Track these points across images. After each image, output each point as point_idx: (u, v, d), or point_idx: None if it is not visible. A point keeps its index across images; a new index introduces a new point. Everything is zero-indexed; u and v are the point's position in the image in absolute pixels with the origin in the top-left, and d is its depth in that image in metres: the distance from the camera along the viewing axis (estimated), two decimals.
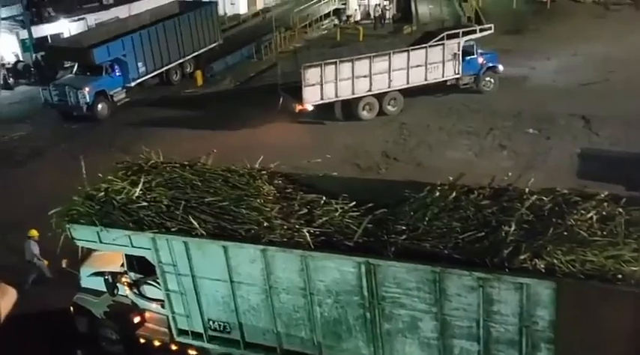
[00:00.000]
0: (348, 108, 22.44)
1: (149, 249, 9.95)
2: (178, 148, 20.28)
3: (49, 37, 30.43)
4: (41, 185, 18.60)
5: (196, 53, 29.63)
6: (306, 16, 36.67)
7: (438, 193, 9.51)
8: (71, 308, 12.28)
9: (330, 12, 38.41)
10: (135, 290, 11.36)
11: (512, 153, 19.52)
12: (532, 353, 8.29)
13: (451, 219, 9.05)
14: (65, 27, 30.86)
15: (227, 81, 28.79)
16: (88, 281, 12.07)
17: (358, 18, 36.96)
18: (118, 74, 25.49)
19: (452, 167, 17.97)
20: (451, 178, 10.01)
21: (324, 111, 22.29)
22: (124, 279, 11.35)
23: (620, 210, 8.82)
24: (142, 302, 11.49)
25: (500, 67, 24.55)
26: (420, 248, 8.62)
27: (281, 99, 22.77)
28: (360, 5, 37.30)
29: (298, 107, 21.77)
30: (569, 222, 8.54)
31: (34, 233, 14.16)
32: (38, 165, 21.02)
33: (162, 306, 10.76)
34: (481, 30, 23.82)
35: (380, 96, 22.53)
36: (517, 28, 33.63)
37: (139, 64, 26.19)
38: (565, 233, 8.35)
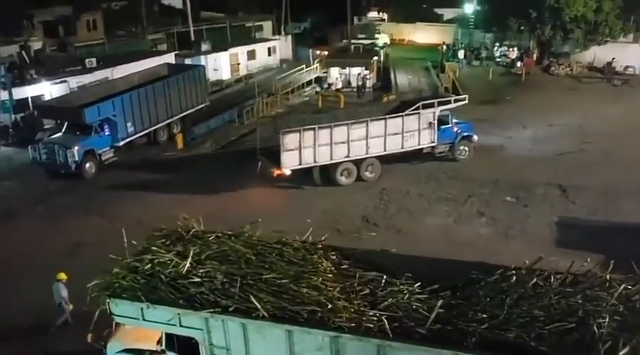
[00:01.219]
0: (327, 173, 22.59)
1: (200, 329, 9.25)
2: (157, 213, 20.20)
3: (29, 99, 30.45)
4: (10, 247, 18.11)
5: (184, 114, 30.07)
6: (288, 83, 37.43)
7: (514, 278, 9.00)
8: None
9: (311, 80, 39.28)
10: None
11: (490, 220, 19.59)
12: None
13: (532, 306, 8.49)
14: (46, 89, 30.92)
15: (208, 144, 28.86)
16: None
17: (339, 86, 37.79)
18: (107, 134, 25.63)
19: (432, 233, 18.14)
20: (527, 262, 9.45)
21: (303, 176, 22.35)
22: None
23: None
24: None
25: (475, 137, 25.03)
26: (502, 338, 7.99)
27: (259, 164, 22.85)
28: (341, 74, 38.26)
29: (276, 172, 21.85)
30: None
31: (63, 276, 13.93)
32: (13, 226, 20.50)
33: None
34: (456, 100, 24.38)
35: (358, 163, 22.76)
36: (493, 98, 34.67)
37: (128, 124, 26.42)
38: None
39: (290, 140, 21.42)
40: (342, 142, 22.13)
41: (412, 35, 56.99)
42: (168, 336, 10.15)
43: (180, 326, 9.37)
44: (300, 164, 21.81)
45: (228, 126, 31.23)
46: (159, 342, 10.51)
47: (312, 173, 22.45)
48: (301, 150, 21.61)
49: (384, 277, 9.51)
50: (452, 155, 24.60)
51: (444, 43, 46.83)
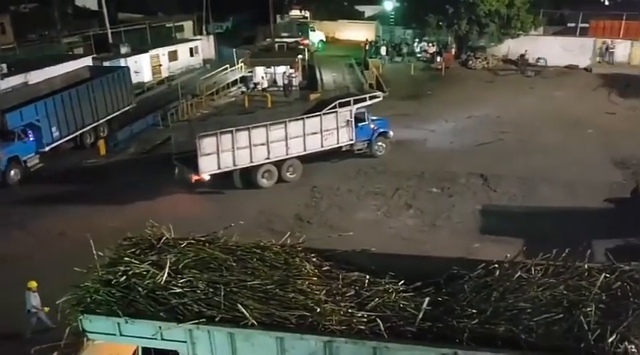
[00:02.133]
0: (247, 176, 22.33)
1: (184, 341, 8.77)
2: (81, 224, 19.57)
3: None
4: None
5: (110, 116, 29.46)
6: (212, 84, 37.01)
7: (498, 272, 9.01)
8: None
9: (237, 80, 39.01)
10: None
11: (418, 211, 20.20)
12: None
13: (518, 299, 8.48)
14: None
15: (132, 149, 28.15)
16: None
17: (265, 85, 37.75)
18: (31, 139, 24.72)
19: (363, 227, 18.51)
20: (508, 256, 9.49)
21: (222, 180, 21.93)
22: None
23: None
24: None
25: (391, 133, 25.57)
26: (494, 333, 7.97)
27: (176, 170, 22.29)
28: (266, 73, 38.22)
29: (195, 177, 21.29)
30: None
31: (33, 284, 13.80)
32: None
33: None
34: (371, 97, 24.85)
35: (278, 164, 22.62)
36: (415, 93, 35.67)
37: (53, 129, 25.63)
38: None
39: (207, 144, 21.00)
40: (262, 144, 21.93)
41: (336, 33, 57.69)
42: (145, 350, 9.64)
43: (162, 339, 8.90)
44: (218, 168, 21.38)
45: (152, 130, 30.55)
46: None
47: (232, 176, 22.12)
48: (219, 153, 21.20)
49: (367, 277, 9.44)
50: (370, 151, 25.03)
51: (366, 40, 47.70)
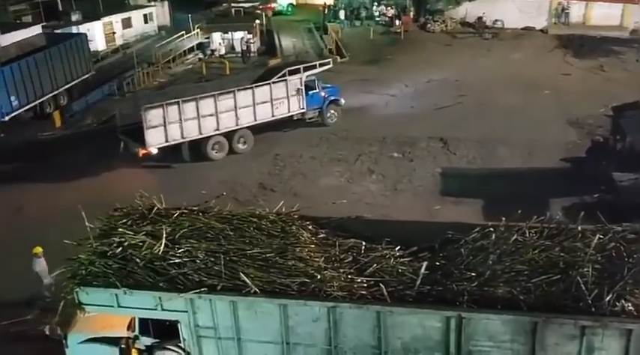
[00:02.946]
0: (197, 148, 21.78)
1: (185, 311, 8.78)
2: (38, 199, 19.20)
3: None
4: None
5: (69, 85, 29.02)
6: (169, 51, 36.12)
7: (494, 236, 9.10)
8: None
9: (193, 46, 38.14)
10: None
11: (380, 176, 20.40)
12: None
13: (515, 262, 8.61)
14: None
15: (88, 120, 27.44)
16: (79, 349, 10.29)
17: (223, 52, 37.04)
18: None
19: (327, 194, 18.63)
20: (503, 219, 9.52)
21: (177, 154, 21.44)
22: (136, 346, 9.82)
23: None
24: None
25: (342, 100, 25.31)
26: (493, 295, 8.12)
27: (122, 144, 21.53)
28: (224, 39, 37.46)
29: (142, 151, 20.65)
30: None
31: (39, 250, 13.92)
32: None
33: None
34: (321, 65, 24.50)
35: (229, 135, 22.13)
36: (375, 58, 35.57)
37: (12, 98, 25.13)
38: None
39: (153, 116, 20.35)
40: (210, 115, 21.40)
41: None
42: (142, 320, 9.67)
43: (162, 310, 8.91)
44: (166, 141, 20.77)
45: (108, 100, 29.78)
46: (129, 327, 9.94)
47: (181, 149, 21.49)
48: (166, 126, 20.61)
49: (364, 244, 9.49)
50: (322, 120, 24.77)
51: (325, 4, 47.11)
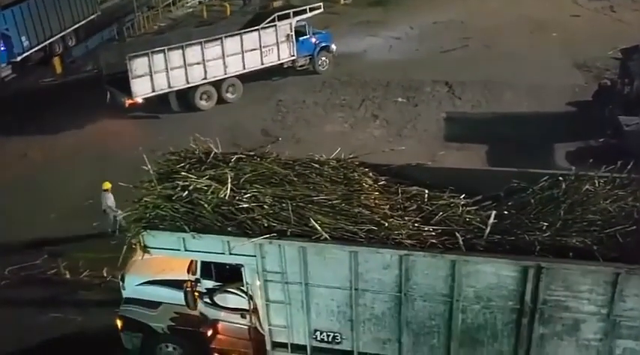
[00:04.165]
0: (185, 98, 21.40)
1: (253, 256, 8.79)
2: (41, 146, 19.27)
3: None
4: None
5: (77, 25, 29.09)
6: None
7: (564, 185, 8.95)
8: (118, 323, 10.64)
9: None
10: (207, 300, 10.05)
11: (384, 122, 20.26)
12: None
13: (586, 212, 8.45)
14: None
15: (89, 66, 27.11)
16: (136, 291, 10.56)
17: None
18: (2, 49, 24.47)
19: (330, 140, 18.54)
20: (573, 168, 9.44)
21: (158, 104, 21.09)
22: (197, 289, 9.95)
23: None
24: (214, 313, 10.19)
25: (334, 47, 24.59)
26: (566, 245, 8.00)
27: (108, 94, 21.20)
28: None
29: (128, 101, 20.32)
30: None
31: (107, 185, 14.34)
32: None
33: (243, 316, 9.80)
34: (311, 9, 23.60)
35: (217, 84, 21.63)
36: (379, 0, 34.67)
37: (23, 38, 25.29)
38: None
39: (138, 65, 19.93)
40: (198, 63, 20.92)
41: None
42: (204, 264, 9.78)
43: (230, 254, 8.90)
44: (153, 91, 20.43)
45: (108, 46, 29.34)
46: (189, 271, 10.07)
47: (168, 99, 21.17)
48: (152, 75, 20.21)
49: (426, 192, 9.35)
50: (313, 67, 24.18)
51: None
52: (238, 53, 21.64)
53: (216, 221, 8.71)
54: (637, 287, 7.74)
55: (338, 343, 9.14)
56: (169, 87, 20.82)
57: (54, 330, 11.89)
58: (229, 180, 9.11)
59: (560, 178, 9.17)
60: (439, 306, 8.50)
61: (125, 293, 10.76)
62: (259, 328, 9.73)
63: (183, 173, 9.43)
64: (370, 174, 9.83)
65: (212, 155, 10.02)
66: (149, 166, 9.69)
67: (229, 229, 8.66)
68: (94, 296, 12.88)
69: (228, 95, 22.20)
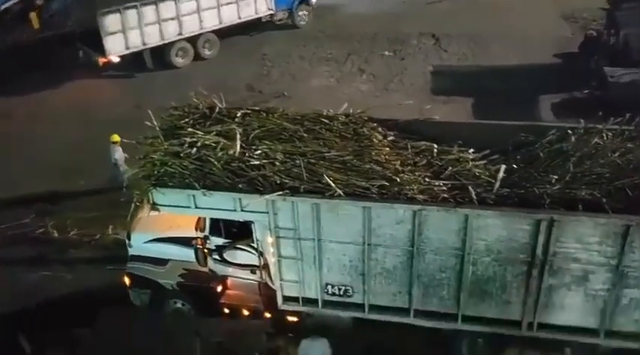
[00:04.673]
0: (160, 55, 20.89)
1: (265, 212, 8.74)
2: (23, 106, 18.93)
3: None
4: None
5: None
6: None
7: (573, 138, 8.95)
8: (126, 281, 10.69)
9: None
10: (216, 257, 10.04)
11: (370, 76, 20.11)
12: None
13: (595, 164, 8.49)
14: None
15: (69, 22, 26.34)
16: (143, 248, 10.54)
17: None
18: None
19: (317, 95, 18.44)
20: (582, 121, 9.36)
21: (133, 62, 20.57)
22: (207, 246, 9.95)
23: None
24: (223, 269, 10.22)
25: (313, 0, 24.15)
26: (575, 198, 8.04)
27: (81, 52, 20.63)
28: None
29: (102, 60, 19.77)
30: None
31: (116, 138, 13.97)
32: None
33: (252, 272, 9.84)
34: None
35: (193, 40, 21.08)
36: None
37: None
38: None
39: (111, 22, 19.25)
40: (172, 18, 20.31)
41: None
42: (214, 221, 9.75)
43: (242, 211, 8.84)
44: (127, 49, 19.84)
45: (81, 0, 28.43)
46: (197, 228, 10.06)
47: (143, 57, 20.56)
48: (125, 32, 19.64)
49: (435, 146, 9.31)
50: (292, 21, 23.68)
51: None
52: (214, 7, 21.04)
53: (226, 178, 8.62)
54: None
55: (349, 296, 9.30)
56: (143, 44, 20.24)
57: (44, 288, 11.95)
58: (238, 137, 8.99)
59: (569, 131, 9.18)
60: (450, 259, 8.63)
61: (131, 251, 10.76)
62: (269, 283, 9.83)
63: (189, 129, 9.26)
64: (379, 129, 9.74)
65: (217, 110, 9.86)
66: (155, 122, 9.48)
67: (240, 186, 8.61)
68: (83, 254, 12.91)
69: (205, 51, 21.69)
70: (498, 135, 9.44)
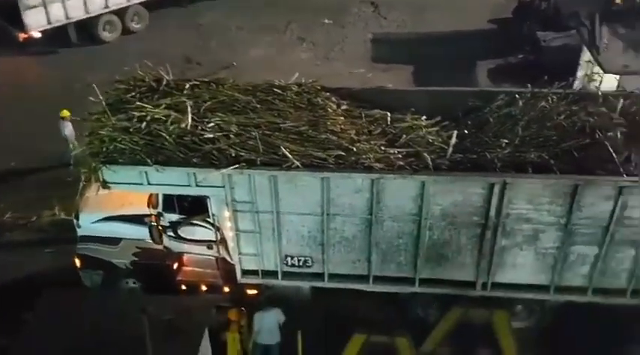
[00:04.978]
0: (86, 30, 19.90)
1: (221, 186, 8.52)
2: None
3: None
4: None
5: None
6: None
7: (521, 102, 9.10)
8: (76, 262, 10.28)
9: None
10: (170, 234, 9.77)
11: (311, 44, 19.96)
12: None
13: (542, 128, 8.69)
14: None
15: None
16: (93, 228, 10.18)
17: None
18: None
19: (256, 65, 18.15)
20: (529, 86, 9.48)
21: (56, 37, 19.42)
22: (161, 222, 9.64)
23: None
24: (178, 246, 9.99)
25: None
26: (524, 160, 8.29)
27: None
28: None
29: (22, 36, 18.60)
30: None
31: (66, 113, 13.55)
32: None
33: (209, 247, 9.69)
34: None
35: (120, 13, 20.11)
36: None
37: None
38: None
39: None
40: None
41: None
42: (167, 197, 9.47)
43: (197, 186, 8.69)
44: (49, 23, 18.72)
45: None
46: (149, 204, 9.73)
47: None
48: (46, 5, 18.52)
49: (388, 114, 9.33)
50: None
51: None
52: None
53: (179, 152, 8.47)
54: (592, 196, 8.25)
55: (309, 266, 9.44)
56: (67, 18, 19.13)
57: None
58: (189, 109, 8.79)
59: (517, 96, 9.44)
60: (407, 225, 8.82)
61: (80, 232, 10.49)
62: (227, 258, 9.79)
63: (137, 103, 9.00)
64: (333, 98, 9.74)
65: (164, 83, 9.59)
66: (100, 97, 9.18)
67: (194, 161, 8.47)
68: (20, 236, 12.45)
69: (133, 24, 20.71)
70: (449, 101, 9.65)
